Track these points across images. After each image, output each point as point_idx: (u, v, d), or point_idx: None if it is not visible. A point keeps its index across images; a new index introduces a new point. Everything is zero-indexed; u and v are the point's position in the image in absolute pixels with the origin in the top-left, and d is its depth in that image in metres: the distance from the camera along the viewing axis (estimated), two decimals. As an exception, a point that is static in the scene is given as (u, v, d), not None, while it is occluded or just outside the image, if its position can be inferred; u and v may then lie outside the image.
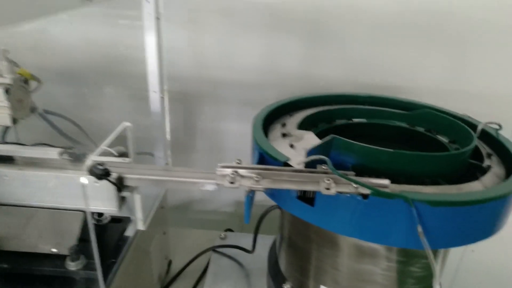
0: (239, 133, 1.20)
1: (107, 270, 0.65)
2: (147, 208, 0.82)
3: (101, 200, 0.58)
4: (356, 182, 0.53)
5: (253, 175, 0.57)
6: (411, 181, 0.58)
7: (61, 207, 0.60)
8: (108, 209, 0.59)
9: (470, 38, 1.04)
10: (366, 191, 0.53)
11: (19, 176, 0.58)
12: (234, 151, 1.22)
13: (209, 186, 0.58)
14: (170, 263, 1.06)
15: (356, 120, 0.85)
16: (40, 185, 0.58)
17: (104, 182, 0.57)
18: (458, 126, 0.73)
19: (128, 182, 0.59)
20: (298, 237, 0.73)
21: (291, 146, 0.67)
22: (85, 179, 0.54)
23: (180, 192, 1.29)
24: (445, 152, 0.62)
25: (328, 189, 0.54)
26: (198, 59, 1.11)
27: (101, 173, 0.56)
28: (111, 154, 0.89)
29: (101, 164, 0.57)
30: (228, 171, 0.58)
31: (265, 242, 0.96)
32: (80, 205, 0.58)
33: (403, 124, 0.82)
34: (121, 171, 0.59)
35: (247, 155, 1.20)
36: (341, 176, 0.53)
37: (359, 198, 0.54)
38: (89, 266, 0.62)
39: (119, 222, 0.74)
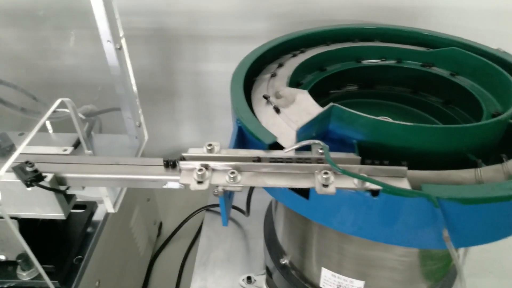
0: (224, 73, 1.02)
1: (71, 271, 0.56)
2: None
3: (40, 206, 0.46)
4: (362, 178, 0.40)
5: (228, 168, 0.44)
6: (434, 161, 0.45)
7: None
8: (50, 215, 0.47)
9: None
10: (375, 186, 0.40)
11: None
12: (222, 94, 1.06)
13: (173, 184, 0.45)
14: (160, 225, 0.98)
15: (363, 62, 0.68)
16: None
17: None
18: (494, 71, 0.57)
19: (70, 183, 0.46)
20: (294, 214, 0.62)
21: (278, 111, 0.52)
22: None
23: (164, 142, 1.16)
24: (481, 122, 0.47)
25: (326, 185, 0.41)
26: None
27: (29, 178, 0.43)
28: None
29: (29, 164, 0.44)
30: (196, 164, 0.44)
31: (263, 197, 0.84)
32: (12, 212, 0.46)
33: (423, 67, 0.65)
34: (58, 169, 0.45)
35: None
36: (343, 172, 0.40)
37: (367, 195, 0.41)
38: (47, 272, 0.52)
39: (83, 208, 0.63)
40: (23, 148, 0.44)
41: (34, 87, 0.88)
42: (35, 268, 0.53)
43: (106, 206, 0.65)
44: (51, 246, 0.56)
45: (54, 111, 0.74)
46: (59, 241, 0.58)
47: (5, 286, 0.52)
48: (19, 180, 0.44)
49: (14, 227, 0.42)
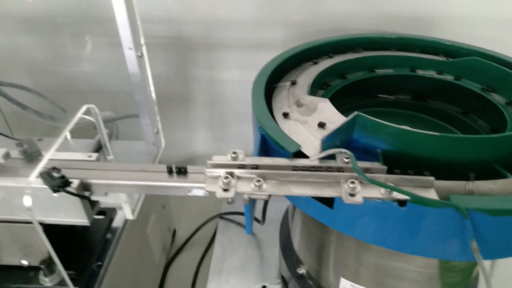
0: (239, 80, 1.03)
1: (91, 277, 0.56)
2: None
3: (65, 212, 0.47)
4: (391, 188, 0.40)
5: (253, 176, 0.44)
6: (460, 172, 0.44)
7: (17, 219, 0.48)
8: (75, 221, 0.47)
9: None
10: (403, 196, 0.40)
11: (-41, 187, 0.46)
12: (236, 102, 1.07)
13: (198, 192, 0.45)
14: (174, 232, 0.98)
15: (380, 71, 0.68)
16: (-14, 197, 0.46)
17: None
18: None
19: (95, 189, 0.46)
20: (312, 223, 0.62)
21: (302, 121, 0.52)
22: (28, 200, 0.41)
23: (177, 149, 1.17)
24: (506, 133, 0.46)
25: (352, 195, 0.41)
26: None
27: (56, 184, 0.43)
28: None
29: (56, 170, 0.44)
30: (221, 172, 0.44)
31: (280, 204, 0.82)
32: (38, 217, 0.47)
33: (443, 76, 0.65)
34: (85, 175, 0.46)
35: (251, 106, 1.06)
36: (371, 181, 0.39)
37: (394, 204, 0.41)
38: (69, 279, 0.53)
39: (103, 214, 0.63)
40: (50, 155, 0.44)
41: (52, 93, 0.89)
42: (57, 274, 0.53)
43: (125, 213, 0.65)
44: (72, 252, 0.56)
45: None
46: (80, 247, 0.58)
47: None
48: (46, 186, 0.44)
49: (41, 232, 0.42)
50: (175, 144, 1.15)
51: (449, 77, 0.65)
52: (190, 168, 0.47)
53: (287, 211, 0.82)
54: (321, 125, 0.50)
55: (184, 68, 1.03)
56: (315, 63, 0.67)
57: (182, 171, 0.47)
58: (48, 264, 0.52)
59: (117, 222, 0.66)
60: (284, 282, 0.78)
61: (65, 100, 0.88)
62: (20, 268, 0.54)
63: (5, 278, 0.54)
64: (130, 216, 0.65)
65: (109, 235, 0.63)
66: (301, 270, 0.70)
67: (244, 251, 0.89)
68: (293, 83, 0.60)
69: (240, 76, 1.03)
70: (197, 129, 1.15)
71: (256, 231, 0.94)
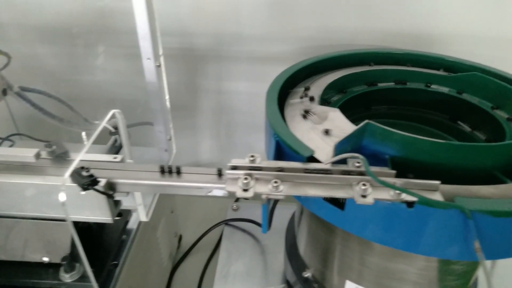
0: (248, 93, 1.07)
1: (108, 276, 0.58)
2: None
3: (90, 209, 0.49)
4: (401, 190, 0.43)
5: (271, 178, 0.47)
6: (463, 178, 0.48)
7: (44, 217, 0.51)
8: (99, 219, 0.50)
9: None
10: (411, 198, 0.43)
11: (-9, 185, 0.48)
12: (243, 113, 1.10)
13: (218, 192, 0.48)
14: (180, 238, 1.00)
15: (385, 84, 0.72)
16: (16, 194, 0.49)
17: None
18: (516, 96, 0.60)
19: (120, 188, 0.49)
20: (319, 227, 0.64)
21: (314, 128, 0.55)
22: (63, 196, 0.44)
23: (183, 157, 1.19)
24: (505, 142, 0.50)
25: (364, 196, 0.44)
26: (198, 10, 0.95)
27: (86, 182, 0.46)
28: (108, 131, 0.78)
29: (85, 169, 0.47)
30: (240, 173, 0.47)
31: (282, 212, 0.83)
32: (63, 214, 0.49)
33: (444, 90, 0.69)
34: (111, 175, 0.48)
35: (257, 117, 1.09)
36: (384, 184, 0.43)
37: (402, 206, 0.44)
38: (87, 276, 0.55)
39: (119, 216, 0.66)
40: (81, 155, 0.47)
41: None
42: (77, 271, 0.56)
43: (140, 215, 0.67)
44: (90, 251, 0.58)
45: (91, 123, 0.78)
46: (97, 246, 0.60)
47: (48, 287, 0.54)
48: (75, 184, 0.47)
49: (73, 229, 0.45)
50: (181, 152, 1.17)
51: (446, 90, 0.69)
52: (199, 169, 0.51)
53: (292, 218, 0.85)
54: (329, 132, 0.53)
55: (193, 79, 1.06)
56: (325, 75, 0.71)
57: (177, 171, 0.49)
58: (69, 261, 0.55)
59: (131, 224, 0.68)
60: (289, 286, 0.80)
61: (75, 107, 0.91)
62: (41, 264, 0.56)
63: (26, 274, 0.56)
64: (144, 218, 0.67)
65: (124, 236, 0.65)
66: (307, 274, 0.72)
67: (249, 257, 0.91)
68: (307, 89, 0.65)
69: (247, 88, 1.06)
70: (203, 138, 1.18)
71: (261, 238, 0.96)
